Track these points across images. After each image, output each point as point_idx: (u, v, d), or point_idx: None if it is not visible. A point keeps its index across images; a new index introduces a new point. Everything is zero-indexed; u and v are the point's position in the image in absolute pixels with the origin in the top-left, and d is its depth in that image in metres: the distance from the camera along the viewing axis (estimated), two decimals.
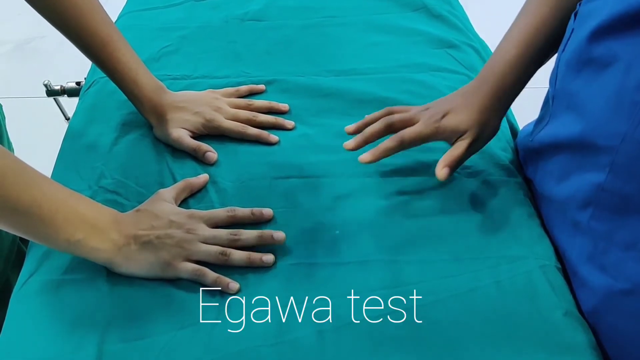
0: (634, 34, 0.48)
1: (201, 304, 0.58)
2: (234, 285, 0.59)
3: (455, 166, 0.65)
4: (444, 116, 0.66)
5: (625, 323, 0.54)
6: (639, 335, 0.53)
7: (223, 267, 0.61)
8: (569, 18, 0.61)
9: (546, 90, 0.65)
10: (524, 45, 0.65)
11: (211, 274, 0.59)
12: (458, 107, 0.67)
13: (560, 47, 0.60)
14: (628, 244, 0.52)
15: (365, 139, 0.67)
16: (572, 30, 0.57)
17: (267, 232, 0.62)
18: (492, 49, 0.94)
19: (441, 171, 0.64)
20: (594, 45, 0.52)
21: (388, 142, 0.65)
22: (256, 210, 0.65)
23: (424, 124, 0.66)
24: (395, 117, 0.68)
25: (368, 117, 0.71)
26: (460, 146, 0.65)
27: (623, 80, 0.49)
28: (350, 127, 0.71)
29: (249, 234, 0.62)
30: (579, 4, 0.57)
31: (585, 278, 0.58)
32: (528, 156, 0.71)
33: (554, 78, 0.61)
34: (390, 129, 0.67)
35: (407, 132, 0.66)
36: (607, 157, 0.52)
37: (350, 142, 0.67)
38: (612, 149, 0.51)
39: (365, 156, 0.65)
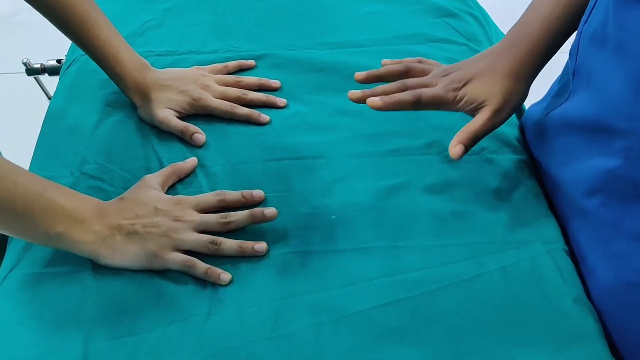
0: None
1: (191, 297, 0.55)
2: (226, 276, 0.56)
3: (472, 143, 0.59)
4: (465, 84, 0.60)
5: (631, 316, 0.52)
6: None
7: (213, 256, 0.58)
8: None
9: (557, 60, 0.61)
10: (562, 2, 0.58)
11: (202, 265, 0.56)
12: (481, 74, 0.60)
13: (583, 18, 0.55)
14: (636, 233, 0.50)
15: (374, 95, 0.60)
16: (597, 0, 0.52)
17: (257, 209, 0.60)
18: (494, 19, 0.91)
19: (454, 148, 0.58)
20: (618, 17, 0.47)
21: (405, 94, 0.59)
22: (246, 192, 0.62)
23: (443, 89, 0.60)
24: (410, 81, 0.62)
25: (384, 69, 0.64)
26: (480, 119, 0.59)
27: None
28: (361, 75, 0.63)
29: (239, 215, 0.59)
30: None
31: (593, 265, 0.55)
32: (538, 133, 0.66)
33: (574, 51, 0.56)
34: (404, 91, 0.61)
35: (426, 92, 0.59)
36: (623, 141, 0.48)
37: (357, 92, 0.61)
38: (630, 133, 0.47)
39: (375, 101, 0.58)
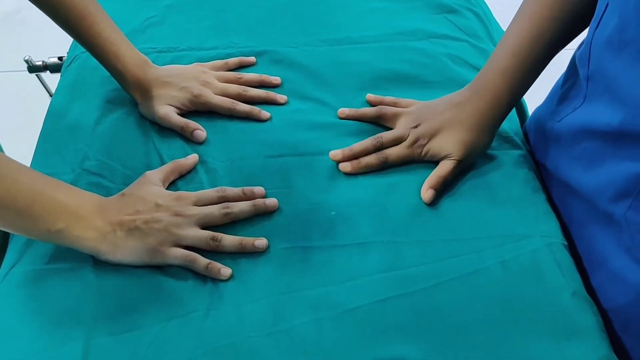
0: None
1: (191, 293, 0.55)
2: (226, 271, 0.56)
3: (442, 187, 0.63)
4: (430, 139, 0.64)
5: None
6: None
7: (214, 252, 0.58)
8: (572, 19, 0.58)
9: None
10: (521, 54, 0.61)
11: (202, 260, 0.57)
12: (445, 126, 0.64)
13: (592, 24, 0.54)
14: None
15: (353, 155, 0.66)
16: (607, 5, 0.51)
17: (259, 200, 0.61)
18: (495, 14, 0.90)
19: (426, 193, 0.62)
20: None
21: (372, 158, 0.65)
22: (247, 189, 0.62)
23: (409, 149, 0.65)
24: (385, 138, 0.66)
25: (360, 112, 0.70)
26: (447, 166, 0.63)
27: None
28: (344, 112, 0.71)
29: (241, 205, 0.60)
30: None
31: (620, 271, 0.54)
32: (550, 139, 0.65)
33: (585, 58, 0.55)
34: (379, 149, 0.66)
35: (392, 154, 0.65)
36: None
37: (338, 154, 0.66)
38: None
39: (346, 167, 0.65)
